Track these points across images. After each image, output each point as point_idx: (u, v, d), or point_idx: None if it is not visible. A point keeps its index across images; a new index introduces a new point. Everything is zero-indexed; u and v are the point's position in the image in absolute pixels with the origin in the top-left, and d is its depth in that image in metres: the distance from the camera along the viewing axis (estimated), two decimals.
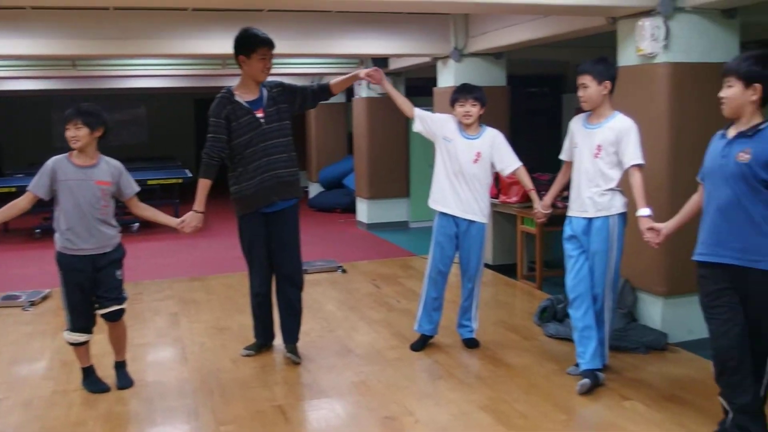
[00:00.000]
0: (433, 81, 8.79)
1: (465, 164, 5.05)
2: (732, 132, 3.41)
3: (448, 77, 8.27)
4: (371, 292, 7.15)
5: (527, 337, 5.58)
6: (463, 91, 5.09)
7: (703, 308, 3.52)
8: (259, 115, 4.83)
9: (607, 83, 4.41)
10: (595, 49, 5.73)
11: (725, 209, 3.36)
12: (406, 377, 4.82)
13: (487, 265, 7.91)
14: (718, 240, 3.40)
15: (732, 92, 3.36)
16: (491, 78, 8.24)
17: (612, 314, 4.64)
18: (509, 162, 5.15)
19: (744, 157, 3.29)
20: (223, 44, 7.11)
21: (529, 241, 7.34)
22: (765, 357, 3.41)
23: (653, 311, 5.35)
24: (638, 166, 4.32)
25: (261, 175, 4.83)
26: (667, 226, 3.91)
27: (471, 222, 5.11)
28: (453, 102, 5.10)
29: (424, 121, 5.20)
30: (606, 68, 4.42)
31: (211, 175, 4.83)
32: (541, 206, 4.98)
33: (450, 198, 5.10)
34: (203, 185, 4.81)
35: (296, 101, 5.01)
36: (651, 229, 3.99)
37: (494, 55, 8.20)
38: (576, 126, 4.61)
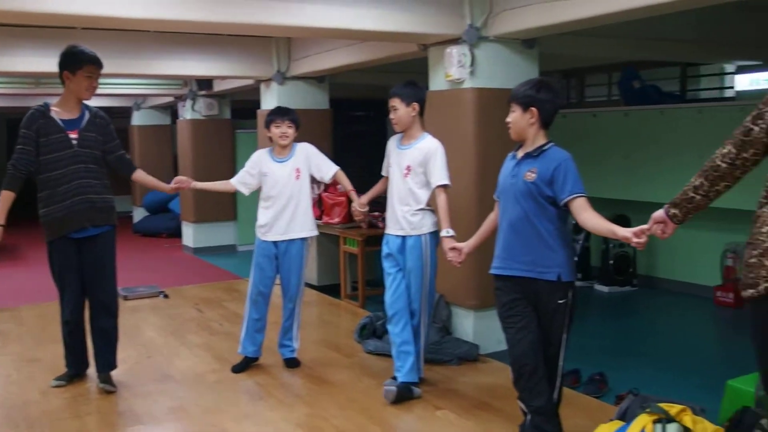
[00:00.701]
0: (257, 103, 8.80)
1: (285, 186, 5.11)
2: (520, 153, 3.66)
3: (271, 100, 8.31)
4: (194, 316, 7.02)
5: (348, 354, 5.68)
6: (279, 113, 5.17)
7: (500, 318, 3.74)
8: (73, 135, 4.66)
9: (415, 105, 4.60)
10: (414, 74, 5.98)
11: (516, 225, 3.60)
12: (226, 400, 4.77)
13: (311, 286, 8.02)
14: (510, 254, 3.63)
15: (514, 117, 3.62)
16: (314, 101, 8.38)
17: (427, 329, 4.81)
18: (327, 168, 5.26)
19: (530, 176, 3.54)
20: (36, 62, 6.86)
21: (351, 261, 7.47)
22: (556, 362, 3.67)
23: (466, 324, 5.61)
24: (443, 186, 4.52)
25: (71, 198, 4.66)
26: (467, 245, 4.11)
27: (290, 241, 5.15)
28: (269, 123, 5.16)
29: (246, 181, 5.25)
30: (414, 91, 4.61)
31: (15, 187, 4.61)
32: (358, 204, 5.06)
33: (269, 226, 5.15)
34: (5, 197, 4.58)
35: (106, 146, 4.88)
36: (453, 248, 4.18)
37: (317, 79, 8.34)
38: (391, 146, 4.78)
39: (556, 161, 3.51)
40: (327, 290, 7.90)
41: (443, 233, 4.36)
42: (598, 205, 8.05)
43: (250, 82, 8.81)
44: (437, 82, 5.66)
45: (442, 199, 4.49)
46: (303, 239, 5.20)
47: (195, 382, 5.10)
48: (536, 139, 3.60)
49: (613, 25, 5.26)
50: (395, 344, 4.69)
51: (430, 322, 4.86)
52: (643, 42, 6.75)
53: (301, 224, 5.18)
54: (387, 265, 4.74)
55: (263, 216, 5.19)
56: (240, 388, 5.01)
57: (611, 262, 8.02)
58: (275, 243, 5.16)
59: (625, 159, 7.70)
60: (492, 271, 3.73)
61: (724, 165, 2.72)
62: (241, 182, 5.26)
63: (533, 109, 3.55)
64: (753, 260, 2.58)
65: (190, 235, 11.13)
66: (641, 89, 7.87)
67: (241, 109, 11.24)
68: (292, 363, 5.34)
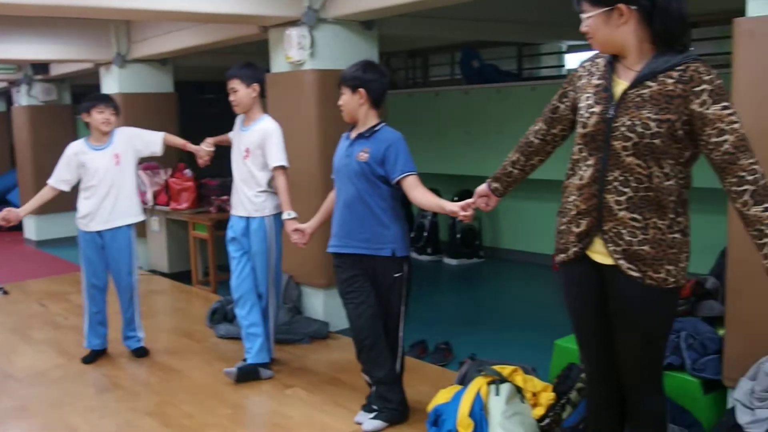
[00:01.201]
0: (99, 87, 8.48)
1: (106, 173, 4.96)
2: (353, 134, 3.76)
3: (112, 84, 8.06)
4: (37, 312, 6.75)
5: (199, 340, 5.64)
6: (102, 99, 5.01)
7: (340, 295, 3.85)
8: None
9: (256, 86, 4.61)
10: (261, 55, 5.96)
11: (351, 204, 3.70)
12: (71, 394, 4.64)
13: (163, 274, 7.88)
14: (346, 232, 3.74)
15: (344, 99, 3.72)
16: (157, 84, 8.19)
17: (276, 310, 4.85)
18: (153, 139, 5.15)
19: (363, 156, 3.65)
20: None
21: (202, 247, 7.39)
22: (396, 333, 3.82)
23: (316, 303, 5.70)
24: (281, 168, 4.53)
25: None
26: (310, 226, 4.19)
27: (115, 230, 5.02)
28: (89, 108, 4.94)
29: (65, 177, 5.03)
30: (253, 72, 4.61)
31: None
32: (205, 144, 5.03)
33: (92, 216, 5.01)
34: None
35: None
36: (296, 230, 4.23)
37: (159, 62, 8.14)
38: (236, 127, 4.77)
39: (387, 141, 3.63)
40: (178, 277, 7.78)
41: (285, 216, 4.40)
42: (444, 181, 8.44)
43: (89, 65, 8.47)
44: (278, 64, 5.68)
45: (281, 181, 4.52)
46: (128, 226, 5.08)
47: (38, 379, 4.92)
48: (367, 119, 3.71)
49: (451, 6, 5.43)
50: (243, 327, 4.71)
51: (279, 303, 4.92)
52: (481, 23, 7.01)
53: (125, 211, 5.05)
54: (231, 249, 4.74)
55: (84, 206, 5.02)
56: (86, 381, 4.89)
57: (458, 236, 8.32)
58: (99, 233, 5.03)
59: (466, 135, 7.98)
60: (330, 250, 3.83)
61: (536, 141, 2.93)
62: (60, 181, 5.02)
63: (361, 90, 3.66)
64: (563, 227, 2.78)
65: (32, 227, 10.62)
66: (480, 68, 8.17)
67: (82, 93, 10.75)
68: (140, 352, 5.25)
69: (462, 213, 3.23)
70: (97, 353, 5.20)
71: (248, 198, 4.63)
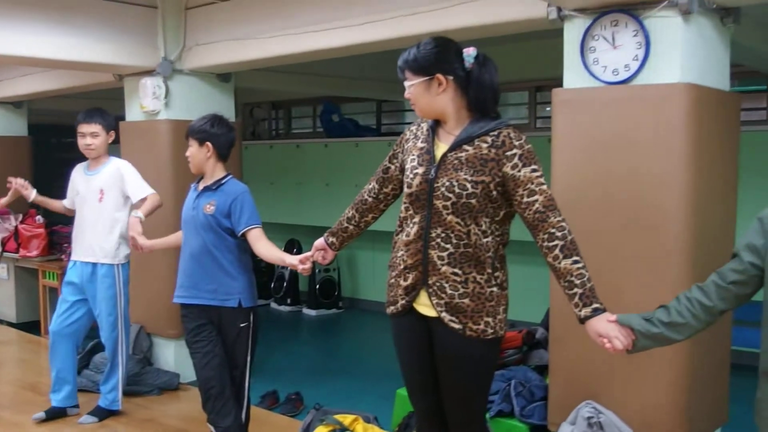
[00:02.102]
0: None
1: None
2: (201, 185, 3.82)
3: None
4: None
5: (44, 393, 5.38)
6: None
7: (187, 344, 3.86)
8: None
9: (113, 133, 4.71)
10: (121, 101, 5.92)
11: (197, 255, 3.74)
12: None
13: (11, 324, 7.56)
14: (194, 283, 3.77)
15: (191, 151, 3.78)
16: (11, 127, 7.98)
17: (126, 359, 4.82)
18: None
19: (209, 208, 3.70)
20: None
21: (52, 296, 7.13)
22: (242, 383, 3.85)
23: (167, 354, 5.64)
24: (148, 197, 4.52)
25: None
26: (153, 243, 4.18)
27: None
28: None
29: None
30: (111, 119, 4.69)
31: None
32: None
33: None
34: None
35: None
36: (135, 237, 4.16)
37: (13, 104, 7.92)
38: (76, 174, 4.79)
39: (233, 195, 3.71)
40: (27, 327, 7.48)
41: (133, 214, 4.35)
42: (303, 232, 8.52)
43: None
44: (133, 113, 5.68)
45: (152, 200, 4.49)
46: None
47: None
48: (215, 172, 3.78)
49: (310, 62, 5.61)
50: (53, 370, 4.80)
51: (128, 352, 4.86)
52: (338, 79, 7.25)
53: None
54: (66, 291, 4.73)
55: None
56: None
57: (317, 286, 8.42)
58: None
59: (326, 187, 8.15)
60: (176, 300, 3.85)
61: (370, 199, 3.10)
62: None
63: (208, 143, 3.73)
64: (392, 281, 2.94)
65: None
66: (340, 123, 8.38)
67: None
68: None
69: (300, 266, 3.34)
70: None
71: (98, 243, 4.59)
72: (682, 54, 3.15)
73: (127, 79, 5.68)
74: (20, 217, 7.53)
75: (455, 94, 2.72)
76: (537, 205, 2.63)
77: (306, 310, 8.52)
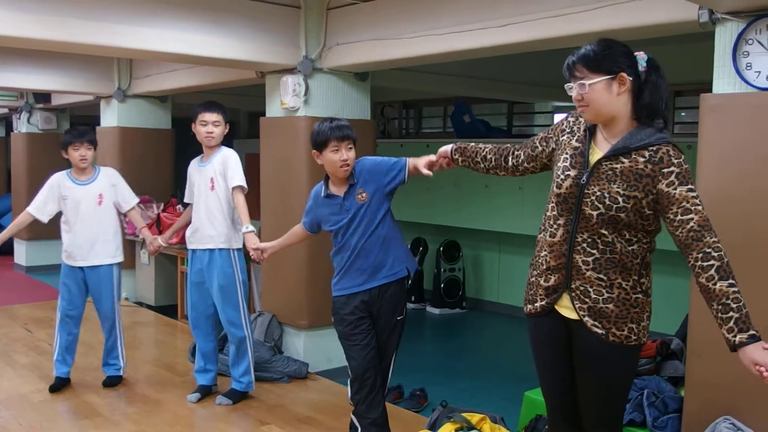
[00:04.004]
0: (98, 118, 8.66)
1: (86, 210, 5.11)
2: (335, 192, 3.82)
3: (111, 117, 8.25)
4: (21, 336, 6.83)
5: (180, 373, 5.73)
6: (77, 136, 5.10)
7: (343, 336, 3.85)
8: None
9: (227, 124, 4.94)
10: (257, 98, 6.14)
11: (372, 248, 3.76)
12: (50, 419, 4.73)
13: (149, 306, 7.99)
14: (374, 268, 3.78)
15: (352, 155, 3.75)
16: (155, 120, 8.38)
17: (252, 343, 5.02)
18: (129, 199, 5.31)
19: (362, 196, 3.72)
20: None
21: None
22: (386, 375, 3.91)
23: (297, 343, 5.80)
24: (239, 187, 4.74)
25: None
26: (272, 246, 4.29)
27: (94, 267, 5.16)
28: (66, 146, 5.09)
29: (48, 209, 5.15)
30: (227, 112, 4.95)
31: None
32: (162, 240, 5.36)
33: (70, 252, 5.14)
34: None
35: None
36: (257, 248, 4.32)
37: (159, 98, 8.34)
38: (192, 168, 5.02)
39: (368, 171, 3.78)
40: (164, 311, 7.88)
41: (244, 229, 4.56)
42: (431, 232, 8.59)
43: (90, 97, 8.68)
44: (273, 109, 5.87)
45: (240, 198, 4.72)
46: (109, 265, 5.21)
47: (18, 402, 5.01)
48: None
49: (443, 63, 5.67)
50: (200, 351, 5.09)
51: (252, 336, 5.06)
52: (472, 80, 7.25)
53: (105, 251, 5.17)
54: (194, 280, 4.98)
55: (65, 240, 5.17)
56: (65, 407, 4.98)
57: (442, 285, 8.46)
58: (81, 268, 5.15)
59: (455, 187, 8.17)
60: (350, 291, 3.84)
61: (511, 162, 3.14)
62: (42, 211, 5.14)
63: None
64: (533, 279, 2.94)
65: (23, 252, 10.73)
66: (471, 123, 8.39)
67: (81, 123, 10.92)
68: (113, 380, 5.34)
69: (425, 171, 3.49)
70: (63, 381, 5.28)
71: (215, 230, 4.83)
72: None
73: (269, 76, 5.88)
74: (162, 205, 7.94)
75: (628, 98, 2.64)
76: (692, 224, 2.53)
77: (430, 309, 8.57)
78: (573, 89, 2.67)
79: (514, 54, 4.85)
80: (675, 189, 2.55)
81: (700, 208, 2.55)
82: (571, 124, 2.87)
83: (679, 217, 2.55)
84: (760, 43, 3.20)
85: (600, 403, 2.86)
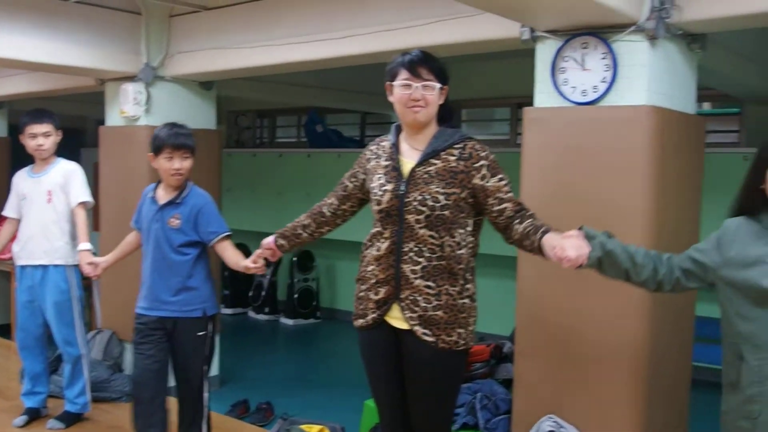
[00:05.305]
0: None
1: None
2: (161, 198, 3.74)
3: None
4: None
5: (9, 398, 5.39)
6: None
7: (133, 344, 3.80)
8: None
9: (60, 132, 4.67)
10: (98, 106, 5.91)
11: (160, 269, 3.70)
12: None
13: None
14: (156, 296, 3.71)
15: (188, 165, 3.69)
16: None
17: (88, 363, 4.82)
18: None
19: (175, 222, 3.66)
20: None
21: None
22: (200, 394, 3.77)
23: None
24: (83, 203, 4.56)
25: None
26: (106, 260, 4.18)
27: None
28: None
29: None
30: (57, 119, 4.67)
31: None
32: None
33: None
34: None
35: None
36: (91, 263, 4.20)
37: None
38: (20, 178, 4.74)
39: (198, 205, 3.70)
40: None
41: (80, 247, 4.39)
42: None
43: None
44: (113, 118, 5.68)
45: (82, 215, 4.53)
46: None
47: None
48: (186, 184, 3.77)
49: (295, 73, 5.65)
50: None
51: (89, 355, 4.87)
52: (325, 90, 7.30)
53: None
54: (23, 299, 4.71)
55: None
56: None
57: (296, 296, 8.43)
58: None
59: (307, 197, 8.15)
60: (139, 311, 3.79)
61: (328, 214, 3.16)
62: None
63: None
64: (362, 294, 2.99)
65: None
66: (323, 133, 8.42)
67: None
68: None
69: (253, 266, 3.39)
70: None
71: (50, 245, 4.59)
72: (649, 77, 3.22)
73: (109, 84, 5.69)
74: None
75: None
76: (507, 211, 2.79)
77: (284, 320, 8.52)
78: (417, 88, 2.78)
79: (366, 65, 4.90)
80: (488, 182, 2.77)
81: (511, 195, 2.81)
82: (375, 150, 2.99)
83: (496, 207, 2.78)
84: (575, 60, 3.38)
85: (432, 409, 2.95)
